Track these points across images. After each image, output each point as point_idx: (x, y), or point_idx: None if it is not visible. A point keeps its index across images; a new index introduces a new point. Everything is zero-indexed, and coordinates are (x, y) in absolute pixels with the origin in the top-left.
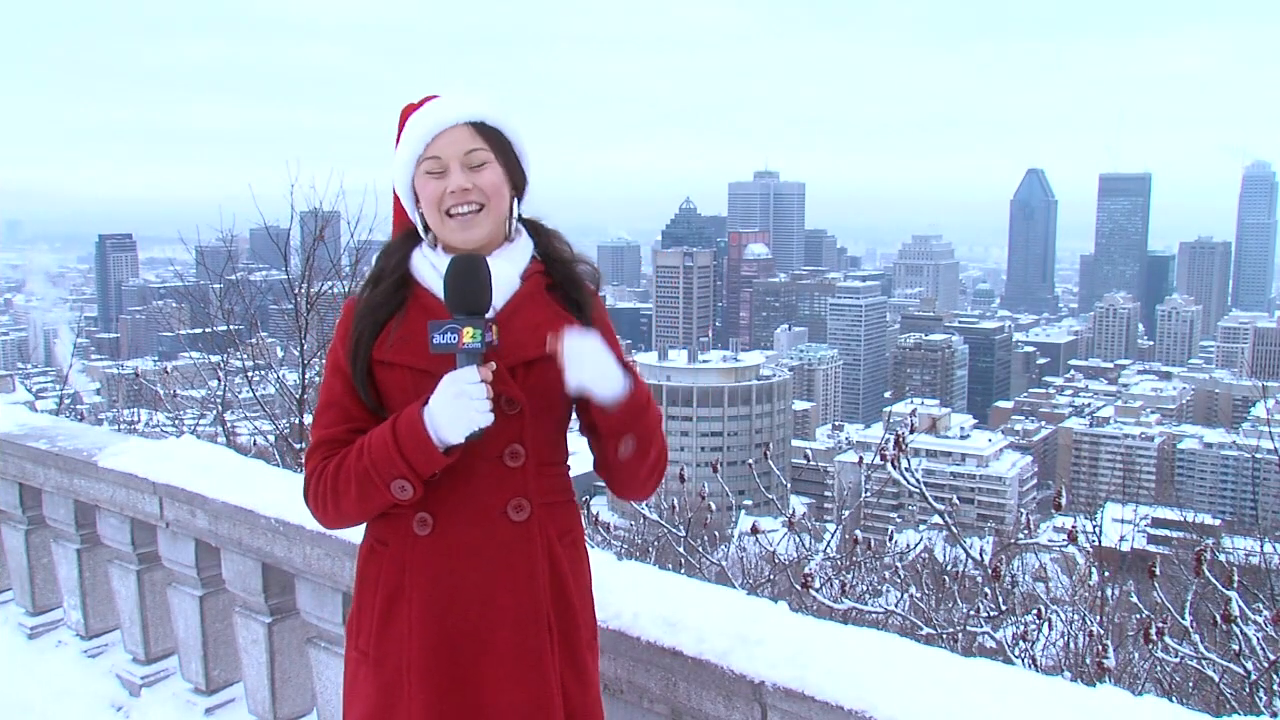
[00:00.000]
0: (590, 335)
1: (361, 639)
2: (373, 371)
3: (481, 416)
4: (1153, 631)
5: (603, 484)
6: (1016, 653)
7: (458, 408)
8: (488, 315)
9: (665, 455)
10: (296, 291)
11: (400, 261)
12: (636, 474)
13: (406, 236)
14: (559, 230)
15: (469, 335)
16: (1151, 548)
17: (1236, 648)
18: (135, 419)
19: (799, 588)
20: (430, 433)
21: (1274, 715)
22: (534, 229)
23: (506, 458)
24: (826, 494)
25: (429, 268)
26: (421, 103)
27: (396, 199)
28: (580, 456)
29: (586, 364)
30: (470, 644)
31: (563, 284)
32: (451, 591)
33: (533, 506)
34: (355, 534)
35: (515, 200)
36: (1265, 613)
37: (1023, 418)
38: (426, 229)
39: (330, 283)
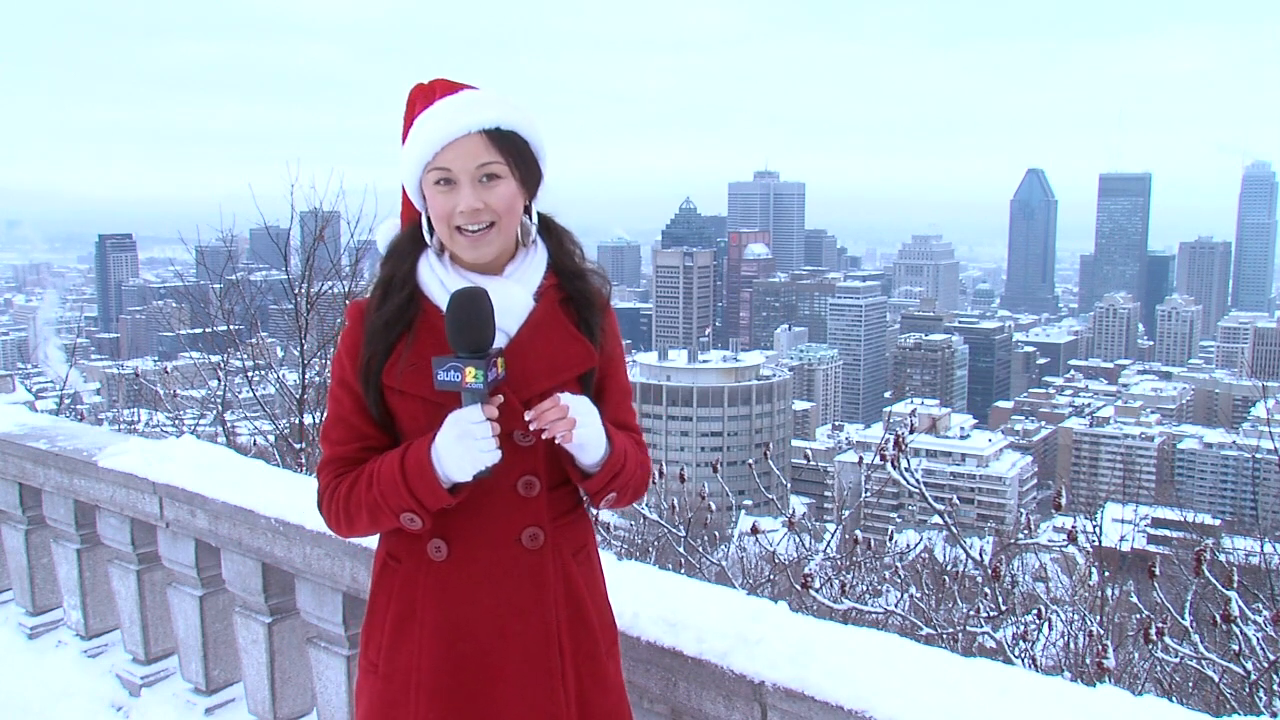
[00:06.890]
0: (579, 401)
1: (371, 650)
2: (384, 393)
3: (487, 456)
4: (1153, 631)
5: None
6: (1016, 653)
7: (462, 449)
8: (493, 349)
9: (645, 484)
10: (296, 291)
11: (409, 272)
12: (614, 506)
13: (414, 239)
14: (569, 230)
15: (471, 375)
16: (1151, 548)
17: (1236, 648)
18: (135, 419)
19: (799, 588)
20: (437, 470)
21: (1274, 715)
22: (544, 227)
23: (520, 488)
24: (826, 494)
25: (437, 284)
26: (432, 85)
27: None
28: None
29: (578, 428)
30: (481, 668)
31: (576, 301)
32: (464, 617)
33: (547, 533)
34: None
35: (529, 202)
36: (1265, 613)
37: (1023, 418)
38: (432, 230)
39: (330, 283)
